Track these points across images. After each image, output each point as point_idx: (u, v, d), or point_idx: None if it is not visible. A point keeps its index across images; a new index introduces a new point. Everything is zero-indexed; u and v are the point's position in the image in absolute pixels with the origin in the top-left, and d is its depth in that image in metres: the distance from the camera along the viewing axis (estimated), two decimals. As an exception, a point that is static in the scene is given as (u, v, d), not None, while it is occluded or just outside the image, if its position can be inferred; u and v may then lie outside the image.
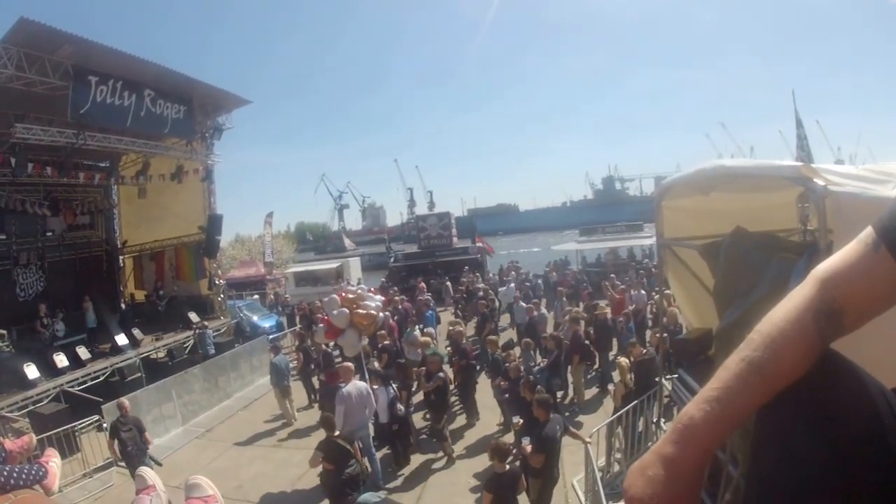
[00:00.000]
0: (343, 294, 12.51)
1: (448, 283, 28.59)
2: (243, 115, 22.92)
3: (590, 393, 14.69)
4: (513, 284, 24.24)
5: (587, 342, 14.52)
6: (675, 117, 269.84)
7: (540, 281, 27.56)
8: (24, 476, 2.79)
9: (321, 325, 14.04)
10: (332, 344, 14.71)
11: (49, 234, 22.24)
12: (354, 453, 8.92)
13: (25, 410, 14.40)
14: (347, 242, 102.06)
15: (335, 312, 11.89)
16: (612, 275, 24.18)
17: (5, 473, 2.72)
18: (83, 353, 17.11)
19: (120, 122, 17.56)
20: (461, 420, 13.61)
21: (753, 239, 4.83)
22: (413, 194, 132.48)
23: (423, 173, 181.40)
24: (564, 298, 20.43)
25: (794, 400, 0.99)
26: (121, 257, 26.38)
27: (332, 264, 39.12)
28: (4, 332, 18.41)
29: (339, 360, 14.92)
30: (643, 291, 19.65)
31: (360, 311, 11.97)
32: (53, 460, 3.19)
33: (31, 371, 15.24)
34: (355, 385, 10.30)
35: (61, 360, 16.28)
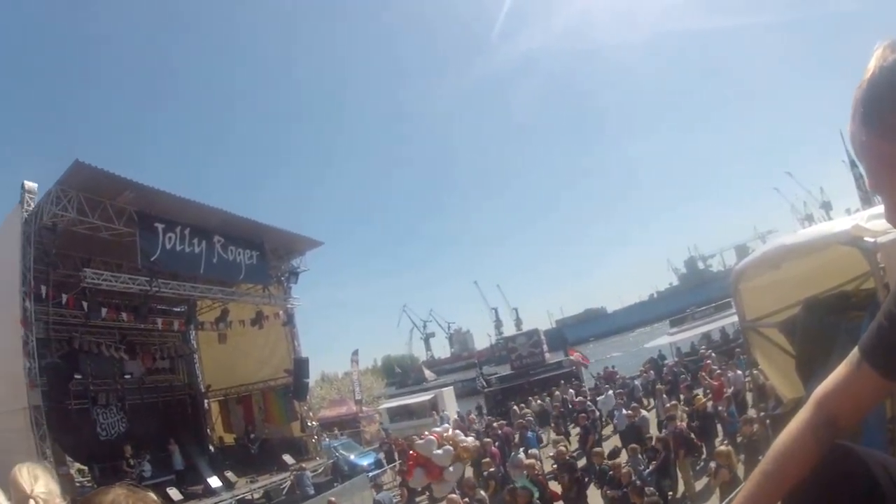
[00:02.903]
0: (437, 435, 12.62)
1: (548, 400, 27.88)
2: (316, 251, 23.56)
3: (700, 483, 14.16)
4: (611, 392, 23.55)
5: (691, 435, 14.24)
6: (742, 179, 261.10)
7: (637, 382, 26.68)
8: None
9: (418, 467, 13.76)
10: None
11: (127, 376, 22.68)
12: None
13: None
14: (428, 374, 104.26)
15: (439, 452, 11.98)
16: (708, 360, 23.45)
17: None
18: (175, 494, 17.11)
19: (193, 268, 18.06)
20: None
21: (824, 304, 4.85)
22: (498, 314, 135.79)
23: (504, 290, 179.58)
24: (664, 396, 20.00)
25: (799, 496, 1.24)
26: (206, 401, 26.79)
27: (426, 396, 38.79)
28: (85, 468, 18.71)
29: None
30: (739, 371, 18.94)
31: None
32: None
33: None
34: None
35: (150, 501, 16.11)
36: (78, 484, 20.72)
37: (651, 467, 13.20)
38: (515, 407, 26.61)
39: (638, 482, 10.73)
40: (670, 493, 13.08)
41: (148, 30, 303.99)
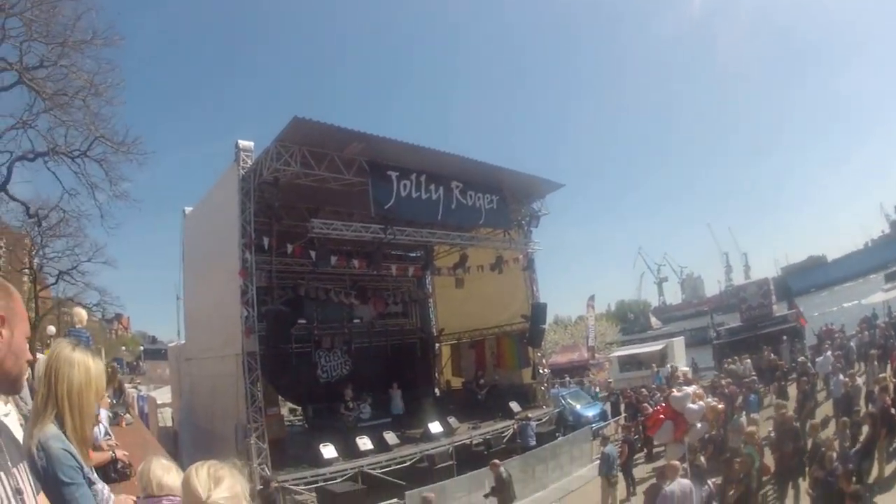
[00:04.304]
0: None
1: (775, 357, 25.84)
2: (557, 196, 22.77)
3: (890, 468, 12.71)
4: (829, 353, 21.46)
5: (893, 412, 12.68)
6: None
7: (852, 343, 24.23)
8: None
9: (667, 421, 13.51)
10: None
11: (356, 320, 23.87)
12: None
13: (314, 486, 14.89)
14: (654, 321, 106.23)
15: (693, 407, 11.83)
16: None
17: None
18: (391, 438, 17.47)
19: (430, 215, 17.93)
20: None
21: None
22: (728, 259, 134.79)
23: (735, 234, 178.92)
24: (875, 363, 18.48)
25: None
26: (437, 345, 27.51)
27: (656, 346, 37.96)
28: (299, 407, 19.57)
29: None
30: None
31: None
32: None
33: (329, 451, 15.78)
34: (679, 484, 9.74)
35: (364, 442, 16.69)
36: (288, 423, 22.23)
37: (858, 446, 12.32)
38: (732, 365, 25.70)
39: (848, 466, 9.95)
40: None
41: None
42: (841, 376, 16.96)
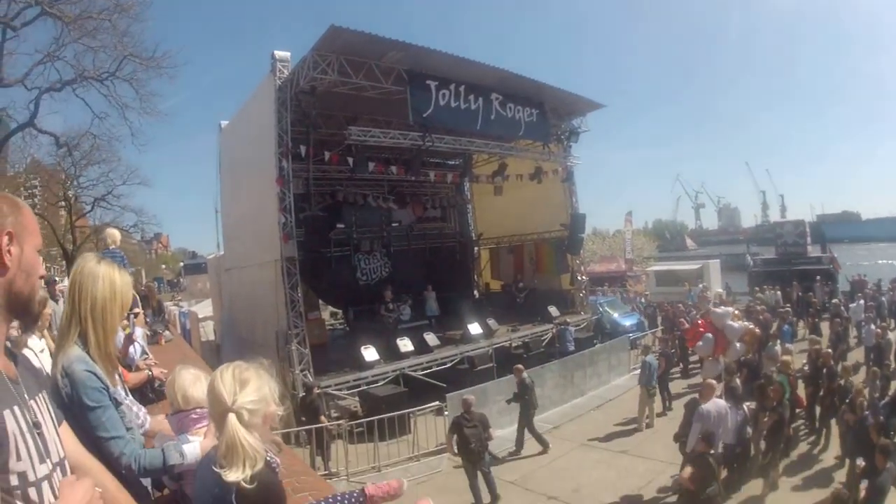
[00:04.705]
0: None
1: (810, 294, 26.12)
2: (598, 114, 22.57)
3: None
4: (861, 301, 21.64)
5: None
6: None
7: (884, 299, 24.10)
8: None
9: (701, 342, 14.00)
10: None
11: (395, 224, 24.11)
12: (718, 476, 8.45)
13: (357, 390, 15.24)
14: (689, 243, 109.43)
15: (733, 325, 12.39)
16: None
17: None
18: (432, 339, 17.73)
19: (469, 125, 17.79)
20: (804, 446, 12.19)
21: None
22: (766, 197, 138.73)
23: (773, 176, 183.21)
24: None
25: None
26: (476, 248, 27.77)
27: (693, 265, 38.42)
28: (340, 311, 19.77)
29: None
30: None
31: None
32: None
33: (370, 353, 16.07)
34: (715, 403, 9.79)
35: (405, 344, 16.94)
36: (329, 327, 22.61)
37: (887, 399, 11.61)
38: (761, 294, 26.23)
39: (879, 417, 9.42)
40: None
41: None
42: (873, 326, 16.76)
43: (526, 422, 13.22)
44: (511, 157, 21.28)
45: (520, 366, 13.96)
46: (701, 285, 29.86)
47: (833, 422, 11.64)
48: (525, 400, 13.23)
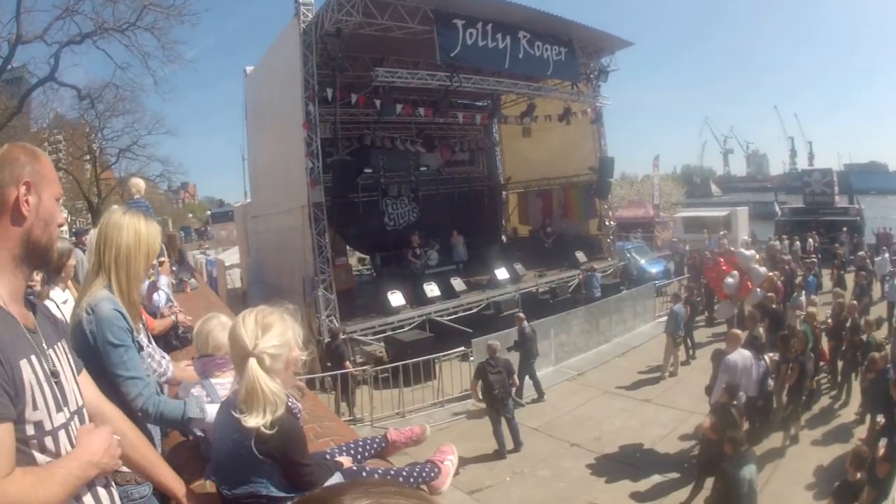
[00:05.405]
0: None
1: (837, 245, 25.41)
2: (626, 54, 22.15)
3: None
4: (887, 255, 21.17)
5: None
6: None
7: None
8: (414, 475, 2.72)
9: (730, 279, 13.99)
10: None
11: (423, 168, 23.99)
12: (740, 426, 8.36)
13: (382, 335, 15.37)
14: (714, 189, 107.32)
15: (757, 268, 12.51)
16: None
17: (404, 473, 2.69)
18: (458, 284, 17.76)
19: (497, 64, 17.60)
20: (825, 399, 12.09)
21: None
22: (794, 143, 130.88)
23: (801, 122, 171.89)
24: None
25: None
26: (504, 192, 27.59)
27: (721, 212, 37.46)
28: (367, 257, 19.77)
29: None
30: None
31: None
32: (450, 458, 2.93)
33: (396, 298, 16.15)
34: (741, 354, 9.66)
35: (432, 289, 17.00)
36: (356, 272, 22.68)
37: None
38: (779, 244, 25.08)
39: None
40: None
41: None
42: (896, 280, 16.39)
43: (526, 370, 13.26)
44: (539, 97, 21.05)
45: (521, 314, 14.03)
46: (722, 232, 29.48)
47: (854, 377, 11.56)
48: (525, 350, 13.29)
